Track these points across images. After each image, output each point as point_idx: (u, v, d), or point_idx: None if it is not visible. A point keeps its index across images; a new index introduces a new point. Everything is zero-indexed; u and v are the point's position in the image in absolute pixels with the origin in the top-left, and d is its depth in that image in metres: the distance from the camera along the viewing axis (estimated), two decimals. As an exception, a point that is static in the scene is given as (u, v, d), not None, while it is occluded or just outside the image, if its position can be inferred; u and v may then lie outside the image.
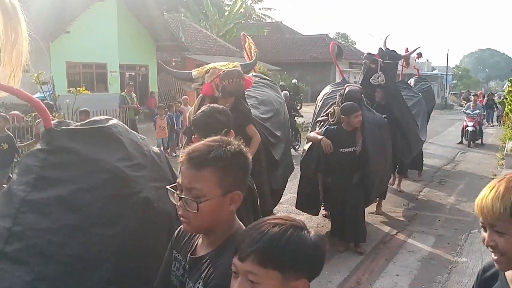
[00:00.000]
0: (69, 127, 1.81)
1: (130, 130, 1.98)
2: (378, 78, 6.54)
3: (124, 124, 1.98)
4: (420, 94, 8.80)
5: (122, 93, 12.79)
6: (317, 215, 6.15)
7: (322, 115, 5.82)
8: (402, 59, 7.83)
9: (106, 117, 1.94)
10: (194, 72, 4.43)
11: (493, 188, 1.33)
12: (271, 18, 38.62)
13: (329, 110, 5.42)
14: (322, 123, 5.63)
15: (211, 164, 1.34)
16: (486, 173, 9.66)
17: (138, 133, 4.58)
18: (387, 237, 5.76)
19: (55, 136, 1.76)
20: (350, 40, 55.35)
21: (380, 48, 7.02)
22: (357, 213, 5.20)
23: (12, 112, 11.70)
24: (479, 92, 17.93)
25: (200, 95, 4.45)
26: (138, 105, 12.70)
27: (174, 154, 11.37)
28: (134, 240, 1.70)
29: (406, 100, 7.60)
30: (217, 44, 24.19)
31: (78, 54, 15.87)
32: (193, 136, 5.06)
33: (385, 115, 6.07)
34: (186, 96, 13.89)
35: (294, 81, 24.78)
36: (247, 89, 4.91)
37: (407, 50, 8.26)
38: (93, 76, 17.30)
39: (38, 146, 1.78)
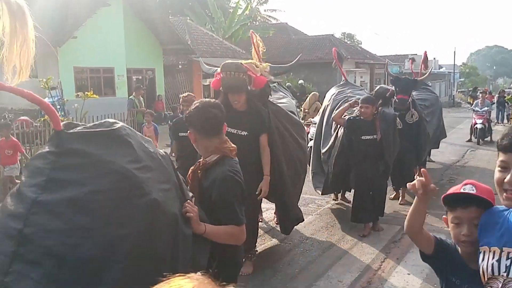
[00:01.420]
0: (79, 130, 1.82)
1: (137, 132, 2.00)
2: (412, 116, 7.05)
3: (131, 127, 2.00)
4: (436, 93, 9.42)
5: (131, 97, 12.85)
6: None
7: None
8: (422, 62, 8.96)
9: (112, 120, 1.96)
10: (219, 69, 4.39)
11: None
12: (276, 20, 38.63)
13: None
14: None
15: None
16: (496, 171, 9.60)
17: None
18: (397, 236, 5.72)
19: (65, 138, 1.78)
20: (356, 39, 55.19)
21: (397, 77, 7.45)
22: (383, 199, 5.99)
23: (21, 117, 11.82)
24: (484, 88, 17.55)
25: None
26: (146, 109, 12.75)
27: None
28: (143, 241, 1.71)
29: (424, 100, 8.35)
30: (223, 47, 24.21)
31: (86, 59, 15.98)
32: (180, 134, 5.01)
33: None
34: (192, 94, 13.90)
35: (300, 81, 24.78)
36: (272, 95, 4.94)
37: (425, 54, 9.07)
38: (100, 80, 17.40)
39: (47, 148, 1.79)
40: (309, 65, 31.68)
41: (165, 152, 2.10)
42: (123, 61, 17.58)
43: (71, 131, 1.80)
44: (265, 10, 38.56)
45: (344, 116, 5.87)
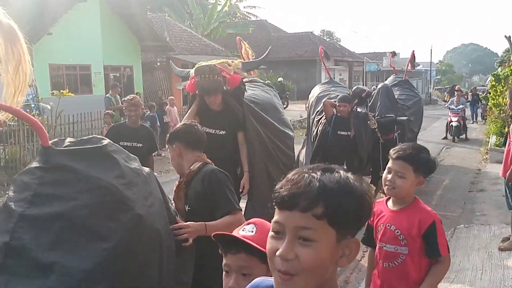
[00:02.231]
0: (66, 148, 1.88)
1: (122, 149, 2.05)
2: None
3: (117, 145, 2.06)
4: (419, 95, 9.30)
5: (107, 95, 12.66)
6: None
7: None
8: (409, 61, 8.98)
9: (99, 136, 2.04)
10: (191, 71, 4.40)
11: None
12: (256, 16, 38.63)
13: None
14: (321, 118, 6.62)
15: None
16: (471, 168, 9.80)
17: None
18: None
19: (53, 154, 1.83)
20: (335, 37, 55.60)
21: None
22: None
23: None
24: (457, 87, 17.68)
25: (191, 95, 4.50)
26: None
27: (158, 156, 11.27)
28: (127, 254, 1.78)
29: (405, 100, 8.34)
30: (202, 44, 24.09)
31: (61, 56, 15.66)
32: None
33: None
34: (172, 97, 13.81)
35: (280, 79, 24.85)
36: (248, 91, 4.91)
37: (413, 54, 9.01)
38: (77, 78, 17.09)
39: (35, 164, 1.84)
40: (288, 63, 31.82)
41: (149, 169, 2.14)
42: (100, 58, 17.31)
43: (59, 148, 1.86)
44: (244, 7, 38.54)
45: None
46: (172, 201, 2.58)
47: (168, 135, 2.83)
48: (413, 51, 9.05)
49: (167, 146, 2.69)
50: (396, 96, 7.88)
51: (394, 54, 10.24)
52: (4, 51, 1.68)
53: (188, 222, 2.31)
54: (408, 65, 8.96)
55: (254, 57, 5.76)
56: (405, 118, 6.61)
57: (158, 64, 22.15)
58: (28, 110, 8.21)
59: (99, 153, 1.89)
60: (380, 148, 6.34)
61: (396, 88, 8.47)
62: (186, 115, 4.50)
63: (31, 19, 13.29)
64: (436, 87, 44.82)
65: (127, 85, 19.39)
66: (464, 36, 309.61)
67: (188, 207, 2.56)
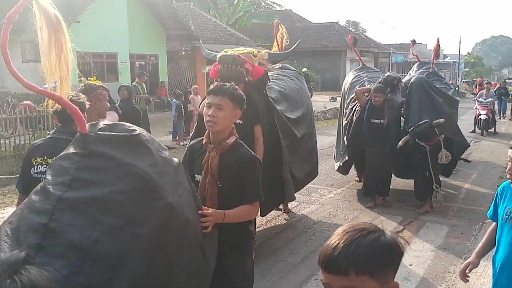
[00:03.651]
0: (103, 134, 1.93)
1: (154, 139, 2.09)
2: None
3: (150, 134, 2.10)
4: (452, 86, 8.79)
5: (134, 83, 12.76)
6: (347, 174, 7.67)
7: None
8: (434, 50, 8.31)
9: (130, 125, 2.06)
10: (218, 55, 4.39)
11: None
12: (280, 6, 38.32)
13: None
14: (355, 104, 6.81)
15: None
16: (499, 162, 9.56)
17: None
18: (399, 227, 5.72)
19: (90, 141, 1.89)
20: (361, 28, 54.79)
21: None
22: (388, 178, 6.55)
23: (24, 102, 11.80)
24: (478, 79, 16.89)
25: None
26: (150, 95, 12.68)
27: (181, 143, 11.36)
28: (158, 241, 1.81)
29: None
30: (227, 33, 24.05)
31: (89, 44, 15.86)
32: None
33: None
34: (196, 86, 13.83)
35: (304, 69, 24.62)
36: (270, 81, 4.90)
37: (438, 42, 8.44)
38: (103, 65, 17.32)
39: (72, 149, 1.90)
40: (313, 53, 31.53)
41: (178, 159, 2.17)
42: (126, 46, 17.48)
43: (96, 133, 1.92)
44: (269, -3, 38.22)
45: (366, 95, 6.51)
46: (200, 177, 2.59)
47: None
48: (438, 38, 8.45)
49: (217, 104, 2.54)
50: None
51: (414, 42, 9.53)
52: (47, 39, 1.74)
53: (210, 210, 2.32)
54: (433, 54, 8.38)
55: (288, 43, 5.72)
56: (441, 120, 5.82)
57: (183, 53, 22.23)
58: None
59: (134, 141, 1.94)
60: (428, 156, 6.02)
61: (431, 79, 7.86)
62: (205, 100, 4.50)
63: (59, 7, 13.46)
64: (464, 80, 43.83)
65: (152, 74, 19.56)
66: (494, 28, 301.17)
67: (219, 183, 2.54)
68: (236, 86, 2.66)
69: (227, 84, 2.62)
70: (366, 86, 6.81)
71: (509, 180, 2.38)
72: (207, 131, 2.60)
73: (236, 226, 2.53)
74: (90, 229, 1.69)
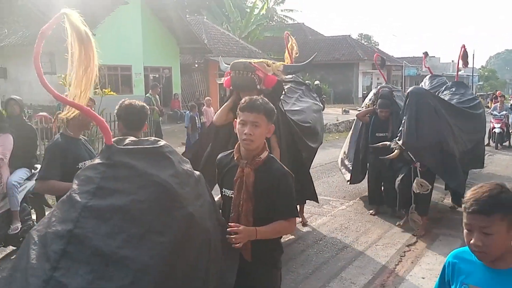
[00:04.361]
0: (127, 146, 2.02)
1: (176, 151, 2.16)
2: None
3: (171, 146, 2.17)
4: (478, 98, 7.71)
5: (147, 94, 12.92)
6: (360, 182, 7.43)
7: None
8: (460, 58, 7.38)
9: (155, 138, 2.16)
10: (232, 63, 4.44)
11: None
12: (293, 20, 38.59)
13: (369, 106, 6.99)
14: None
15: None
16: (514, 176, 9.45)
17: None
18: (412, 240, 5.67)
19: (115, 152, 1.98)
20: (373, 41, 54.83)
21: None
22: (393, 186, 6.12)
23: (40, 113, 11.99)
24: (498, 92, 16.51)
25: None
26: (162, 107, 12.79)
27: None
28: (179, 250, 1.86)
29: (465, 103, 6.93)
30: (240, 46, 24.26)
31: (104, 56, 15.91)
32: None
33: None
34: (209, 98, 13.93)
35: (316, 82, 24.70)
36: (284, 95, 4.93)
37: (464, 48, 7.48)
38: (118, 78, 17.56)
39: (98, 160, 1.99)
40: (325, 66, 31.60)
41: (199, 172, 2.22)
42: (140, 59, 17.72)
43: (120, 146, 2.01)
44: (281, 10, 38.58)
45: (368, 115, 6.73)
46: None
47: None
48: (463, 45, 7.49)
49: (252, 123, 2.39)
50: (454, 101, 6.85)
51: (426, 54, 9.15)
52: (78, 55, 1.88)
53: (241, 227, 2.28)
54: (458, 63, 7.66)
55: (297, 55, 5.78)
56: (379, 144, 5.73)
57: (196, 65, 22.46)
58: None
59: (157, 153, 2.02)
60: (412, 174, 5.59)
61: (452, 90, 7.30)
62: (220, 109, 4.53)
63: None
64: (478, 93, 43.48)
65: (166, 86, 19.78)
66: (508, 41, 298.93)
67: (254, 201, 2.43)
68: (266, 99, 2.52)
69: (259, 98, 2.48)
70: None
71: (477, 254, 1.69)
72: (237, 145, 2.49)
73: (270, 242, 2.47)
74: (113, 236, 1.75)
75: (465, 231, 1.71)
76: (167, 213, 1.87)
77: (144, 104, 3.16)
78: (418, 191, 5.46)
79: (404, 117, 5.55)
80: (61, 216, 1.83)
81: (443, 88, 7.59)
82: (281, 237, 2.69)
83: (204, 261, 1.99)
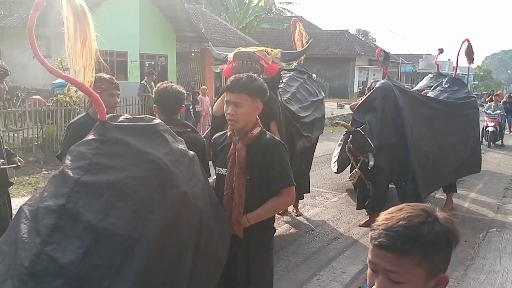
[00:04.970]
0: (121, 123, 1.99)
1: (171, 130, 2.14)
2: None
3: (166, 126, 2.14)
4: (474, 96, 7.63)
5: (143, 81, 12.85)
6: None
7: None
8: (465, 54, 7.21)
9: (151, 116, 2.13)
10: (230, 55, 4.40)
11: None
12: (291, 12, 38.41)
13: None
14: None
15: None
16: (506, 174, 9.54)
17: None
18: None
19: (109, 128, 1.95)
20: (371, 37, 54.83)
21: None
22: (380, 191, 5.68)
23: (34, 96, 11.90)
24: (499, 92, 16.61)
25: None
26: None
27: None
28: (170, 228, 1.85)
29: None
30: (237, 37, 24.13)
31: (99, 41, 15.97)
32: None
33: None
34: (204, 86, 13.89)
35: (313, 76, 24.67)
36: (283, 83, 4.88)
37: (469, 43, 7.30)
38: (113, 64, 17.41)
39: (92, 136, 1.95)
40: (322, 60, 31.56)
41: (193, 152, 2.20)
42: (136, 46, 17.58)
43: (115, 122, 1.98)
44: (280, 3, 38.44)
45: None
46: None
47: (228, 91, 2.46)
48: (467, 39, 7.20)
49: (235, 101, 2.41)
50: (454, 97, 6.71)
51: (441, 51, 8.63)
52: (73, 28, 1.84)
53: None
54: (457, 58, 7.52)
55: (307, 40, 5.76)
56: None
57: (193, 54, 22.34)
58: (64, 91, 8.44)
59: (151, 131, 2.00)
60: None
61: (445, 87, 7.06)
62: (219, 99, 4.50)
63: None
64: (473, 93, 43.65)
65: (161, 74, 19.63)
66: (504, 42, 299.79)
67: (248, 176, 2.44)
68: (255, 75, 2.52)
69: (243, 76, 2.46)
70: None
71: None
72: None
73: (262, 222, 2.48)
74: (105, 212, 1.74)
75: (368, 270, 1.22)
76: (160, 191, 1.85)
77: (180, 89, 3.13)
78: (350, 180, 5.84)
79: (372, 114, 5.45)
80: (53, 191, 1.81)
81: (435, 84, 7.40)
82: (274, 216, 2.70)
83: (195, 240, 1.98)
